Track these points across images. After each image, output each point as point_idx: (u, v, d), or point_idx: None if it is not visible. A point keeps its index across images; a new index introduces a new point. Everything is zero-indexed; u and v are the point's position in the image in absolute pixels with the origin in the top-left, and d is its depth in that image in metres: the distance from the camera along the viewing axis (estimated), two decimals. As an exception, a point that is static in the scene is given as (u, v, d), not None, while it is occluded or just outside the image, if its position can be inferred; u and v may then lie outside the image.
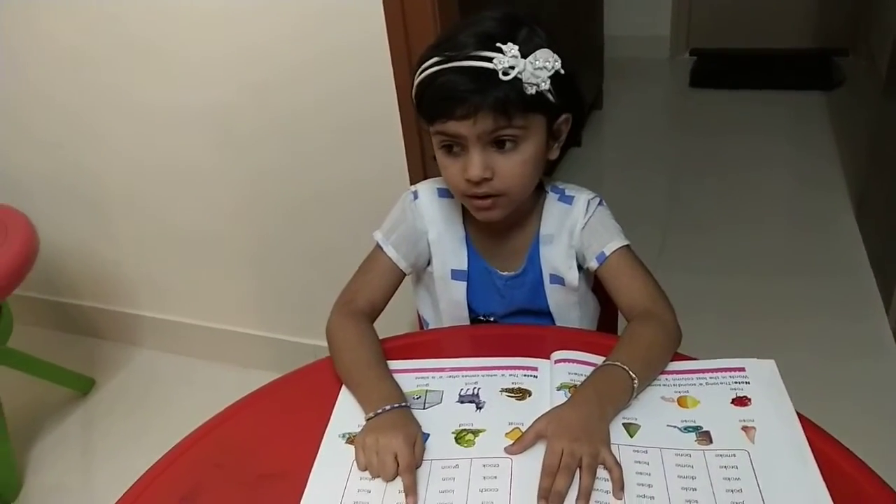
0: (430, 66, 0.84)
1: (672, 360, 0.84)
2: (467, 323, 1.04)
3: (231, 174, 1.66)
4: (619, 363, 0.78)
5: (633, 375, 0.77)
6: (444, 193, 0.99)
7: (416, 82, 0.87)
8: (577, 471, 0.69)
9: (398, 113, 1.41)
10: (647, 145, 2.97)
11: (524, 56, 0.81)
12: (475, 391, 0.83)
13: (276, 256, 1.75)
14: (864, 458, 0.72)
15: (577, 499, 0.67)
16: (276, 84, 1.49)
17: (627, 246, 0.95)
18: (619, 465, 0.70)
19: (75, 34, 1.60)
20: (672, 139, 3.02)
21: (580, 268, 0.98)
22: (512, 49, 0.80)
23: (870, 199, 2.22)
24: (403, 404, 0.80)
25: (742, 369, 0.81)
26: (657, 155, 2.89)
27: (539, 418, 0.75)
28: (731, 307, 1.99)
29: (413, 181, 1.31)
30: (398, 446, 0.73)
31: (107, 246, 1.94)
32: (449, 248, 1.00)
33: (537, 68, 0.81)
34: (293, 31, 1.42)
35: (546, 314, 1.02)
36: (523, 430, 0.76)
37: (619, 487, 0.68)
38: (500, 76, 0.80)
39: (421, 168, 1.44)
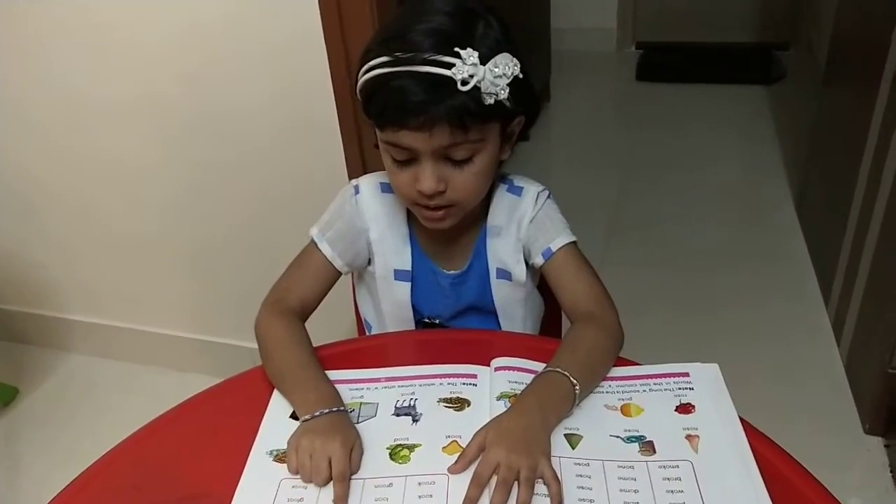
0: (380, 66, 0.78)
1: (616, 365, 0.82)
2: (412, 325, 0.99)
3: (166, 171, 1.59)
4: (559, 369, 0.75)
5: (575, 382, 0.74)
6: (388, 188, 0.94)
7: (361, 80, 0.81)
8: (515, 484, 0.66)
9: (335, 110, 1.37)
10: (595, 138, 2.98)
11: (483, 62, 0.75)
12: (411, 402, 0.79)
13: (213, 257, 1.69)
14: (802, 448, 0.71)
15: None
16: (210, 77, 1.43)
17: (574, 243, 0.92)
18: (557, 479, 0.67)
19: (4, 18, 1.49)
20: (619, 132, 3.03)
21: (526, 263, 0.94)
22: (472, 56, 0.75)
23: (809, 190, 2.26)
24: (341, 408, 0.76)
25: (686, 374, 0.79)
26: (604, 148, 2.90)
27: (479, 430, 0.72)
28: (673, 301, 2.01)
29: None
30: (334, 450, 0.69)
31: (33, 246, 1.84)
32: (391, 248, 0.95)
33: (497, 76, 0.76)
34: (227, 20, 1.35)
35: (492, 312, 0.99)
36: (461, 442, 0.72)
37: (557, 502, 0.65)
38: (459, 86, 0.75)
39: (360, 168, 1.40)
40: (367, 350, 0.95)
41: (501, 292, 0.97)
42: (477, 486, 0.66)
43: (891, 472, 1.48)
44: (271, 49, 1.36)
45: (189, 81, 1.45)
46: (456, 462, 0.70)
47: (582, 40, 3.56)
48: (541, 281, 1.00)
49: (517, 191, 0.94)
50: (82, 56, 1.49)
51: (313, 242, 0.94)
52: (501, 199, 0.94)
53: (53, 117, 1.60)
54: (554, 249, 0.90)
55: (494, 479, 0.67)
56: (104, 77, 1.50)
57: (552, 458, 0.69)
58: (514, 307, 0.98)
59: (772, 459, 0.70)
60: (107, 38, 1.45)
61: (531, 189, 0.94)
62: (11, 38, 1.52)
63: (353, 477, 0.71)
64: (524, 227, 0.93)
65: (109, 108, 1.54)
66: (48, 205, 1.75)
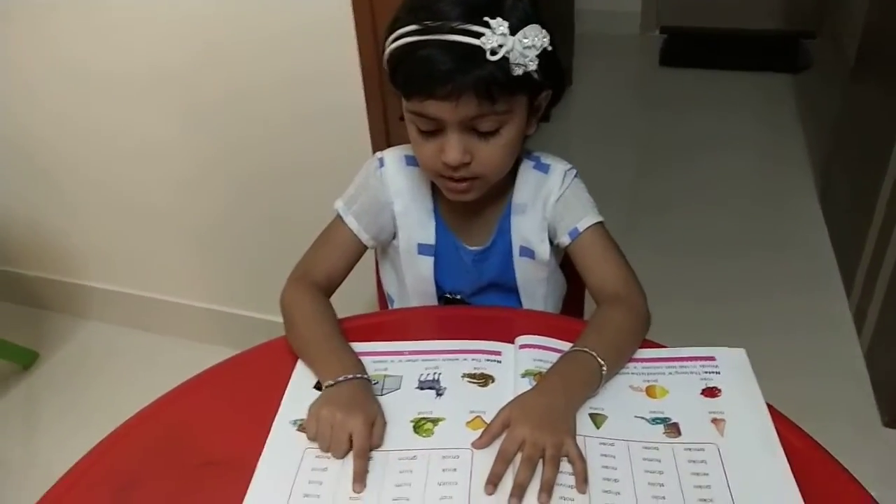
0: (408, 35, 0.77)
1: (641, 347, 0.81)
2: (434, 299, 0.99)
3: (187, 145, 1.59)
4: (587, 349, 0.75)
5: (602, 362, 0.74)
6: (413, 161, 0.93)
7: (389, 48, 0.80)
8: (540, 462, 0.66)
9: (363, 91, 1.36)
10: (616, 122, 2.95)
11: (513, 32, 0.74)
12: (436, 377, 0.78)
13: (232, 230, 1.69)
14: (823, 436, 0.71)
15: (540, 492, 0.64)
16: (234, 53, 1.42)
17: (601, 223, 0.91)
18: (583, 458, 0.67)
19: None
20: (641, 117, 3.00)
21: (551, 242, 0.93)
22: (501, 26, 0.73)
23: (833, 180, 2.23)
24: (364, 375, 0.76)
25: (712, 358, 0.79)
26: (625, 133, 2.87)
27: (504, 406, 0.71)
28: (695, 286, 1.99)
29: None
30: (355, 426, 0.69)
31: (55, 214, 1.85)
32: (416, 221, 0.94)
33: (526, 47, 0.75)
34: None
35: (513, 290, 0.98)
36: (485, 418, 0.72)
37: (581, 480, 0.65)
38: (488, 55, 0.74)
39: (385, 145, 1.39)
40: (391, 324, 0.95)
41: (524, 270, 0.96)
42: (502, 461, 0.66)
43: (909, 464, 1.48)
44: (298, 29, 1.35)
45: (211, 58, 1.44)
46: (480, 437, 0.70)
47: (606, 23, 3.51)
48: (563, 260, 0.99)
49: (544, 168, 0.93)
50: (101, 31, 1.49)
51: (339, 216, 0.94)
52: (527, 175, 0.93)
53: (72, 92, 1.60)
54: (581, 229, 0.89)
55: (519, 457, 0.67)
56: (124, 52, 1.50)
57: (577, 437, 0.69)
58: (535, 286, 0.97)
59: (797, 445, 0.69)
60: (127, 13, 1.45)
61: (558, 167, 0.93)
62: (31, 16, 1.52)
63: (378, 449, 0.71)
64: (550, 206, 0.91)
65: (127, 82, 1.54)
66: (69, 176, 1.76)
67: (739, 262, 2.08)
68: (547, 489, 0.64)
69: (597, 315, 0.84)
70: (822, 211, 2.26)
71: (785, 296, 1.94)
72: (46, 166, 1.76)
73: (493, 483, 0.65)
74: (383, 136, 1.39)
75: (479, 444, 0.70)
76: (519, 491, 0.64)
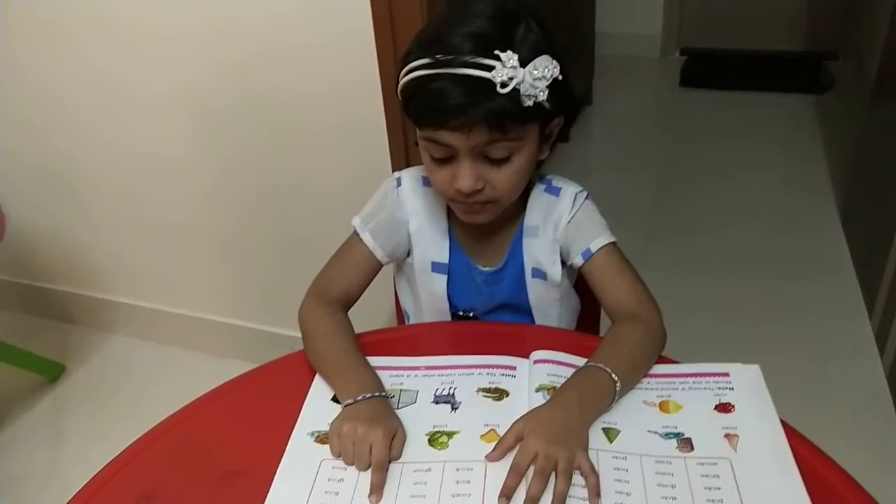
0: (420, 68, 0.79)
1: (655, 363, 0.82)
2: (447, 316, 1.00)
3: (208, 160, 1.62)
4: (601, 365, 0.76)
5: (616, 378, 0.75)
6: (429, 182, 0.95)
7: (402, 81, 0.82)
8: (553, 475, 0.67)
9: (382, 108, 1.38)
10: (636, 143, 2.95)
11: (523, 64, 0.76)
12: (451, 391, 0.80)
13: (253, 245, 1.72)
14: (844, 459, 0.70)
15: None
16: (254, 69, 1.45)
17: (614, 243, 0.92)
18: (595, 472, 0.67)
19: (50, 12, 1.55)
20: (661, 138, 3.00)
21: (563, 263, 0.95)
22: (511, 59, 0.75)
23: (855, 203, 2.21)
24: (383, 394, 0.77)
25: (726, 374, 0.79)
26: (645, 153, 2.88)
27: (518, 420, 0.72)
28: (714, 309, 1.98)
29: (395, 174, 1.28)
30: (375, 439, 0.71)
31: (81, 229, 1.90)
32: (430, 240, 0.96)
33: (536, 79, 0.76)
34: (276, 13, 1.38)
35: (526, 310, 0.99)
36: (499, 432, 0.73)
37: (594, 494, 0.66)
38: (498, 88, 0.75)
39: (404, 164, 1.41)
40: (407, 339, 0.97)
41: (537, 292, 0.97)
42: (515, 475, 0.67)
43: (930, 490, 1.45)
44: (319, 46, 1.38)
45: (231, 73, 1.47)
46: (493, 450, 0.71)
47: (626, 45, 3.54)
48: (577, 279, 1.00)
49: (555, 191, 0.94)
50: (124, 47, 1.53)
51: (356, 233, 0.96)
52: (539, 198, 0.94)
53: (97, 109, 1.65)
54: (594, 250, 0.90)
55: (532, 470, 0.67)
56: (143, 67, 1.54)
57: (590, 451, 0.70)
58: (548, 306, 0.99)
59: (812, 462, 0.69)
60: (149, 28, 1.49)
61: (569, 189, 0.94)
62: (55, 32, 1.57)
63: (393, 462, 0.72)
64: (561, 228, 0.93)
65: (150, 97, 1.58)
66: (94, 192, 1.80)
67: (760, 283, 2.07)
68: (559, 502, 0.65)
69: (612, 332, 0.84)
70: (844, 233, 2.24)
71: (806, 318, 1.93)
72: (70, 181, 1.81)
73: (506, 496, 0.66)
74: (403, 152, 1.41)
75: (493, 456, 0.70)
76: (532, 502, 0.65)
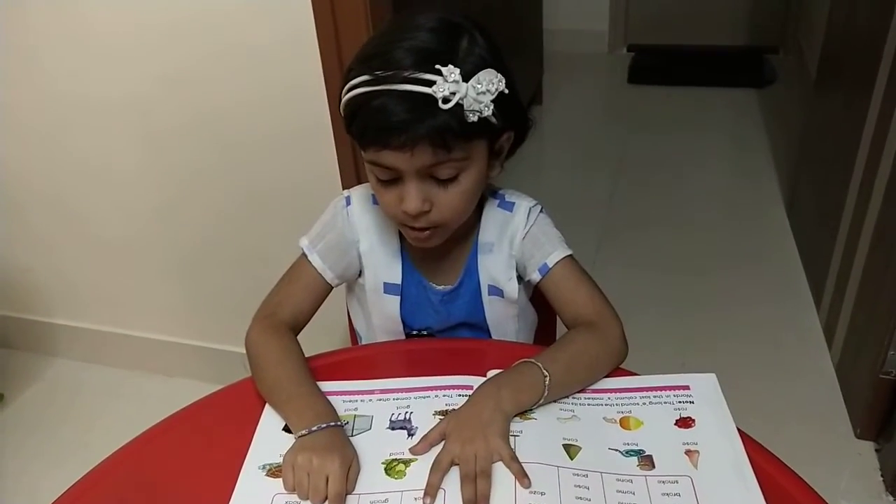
0: (361, 85, 0.76)
1: (614, 376, 0.82)
2: (402, 337, 0.98)
3: (152, 173, 1.57)
4: (533, 360, 0.77)
5: (546, 373, 0.75)
6: None
7: (344, 99, 0.79)
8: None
9: (329, 115, 1.35)
10: (586, 140, 2.98)
11: (465, 79, 0.73)
12: (407, 416, 0.77)
13: (201, 261, 1.67)
14: (795, 448, 0.72)
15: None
16: (196, 77, 1.41)
17: (570, 255, 0.90)
18: (516, 458, 0.69)
19: None
20: (610, 134, 3.03)
21: (520, 279, 0.93)
22: (453, 73, 0.72)
23: (800, 193, 2.26)
24: (338, 423, 0.75)
25: (686, 387, 0.78)
26: (595, 150, 2.90)
27: (444, 418, 0.74)
28: (665, 301, 2.01)
29: (346, 185, 1.24)
30: (332, 470, 0.68)
31: (18, 248, 1.82)
32: (382, 261, 0.94)
33: (480, 93, 0.73)
34: (212, 19, 1.34)
35: (484, 328, 0.98)
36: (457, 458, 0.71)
37: (522, 476, 0.68)
38: (440, 104, 0.73)
39: (353, 172, 1.39)
40: (360, 360, 0.94)
41: (494, 309, 0.96)
42: (437, 472, 0.69)
43: (881, 475, 1.48)
44: (261, 50, 1.34)
45: (174, 82, 1.43)
46: (417, 443, 0.73)
47: (574, 42, 3.56)
48: (533, 293, 0.99)
49: (509, 206, 0.92)
50: (65, 55, 1.47)
51: (304, 255, 0.93)
52: (493, 214, 0.92)
53: (37, 117, 1.58)
54: (550, 265, 0.89)
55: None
56: (87, 76, 1.48)
57: (549, 466, 0.69)
58: (506, 323, 0.97)
59: (769, 470, 0.69)
60: (89, 37, 1.43)
61: (523, 204, 0.92)
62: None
63: (350, 493, 0.69)
64: (517, 244, 0.91)
65: (93, 108, 1.52)
66: (33, 206, 1.73)
67: (710, 277, 2.10)
68: (483, 500, 0.66)
69: (562, 336, 0.84)
70: (790, 223, 2.29)
71: (755, 309, 1.96)
72: (13, 197, 1.73)
73: (430, 494, 0.67)
74: (351, 160, 1.38)
75: (417, 449, 0.73)
76: None
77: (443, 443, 0.72)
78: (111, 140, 1.55)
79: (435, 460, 0.70)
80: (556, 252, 0.89)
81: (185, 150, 1.51)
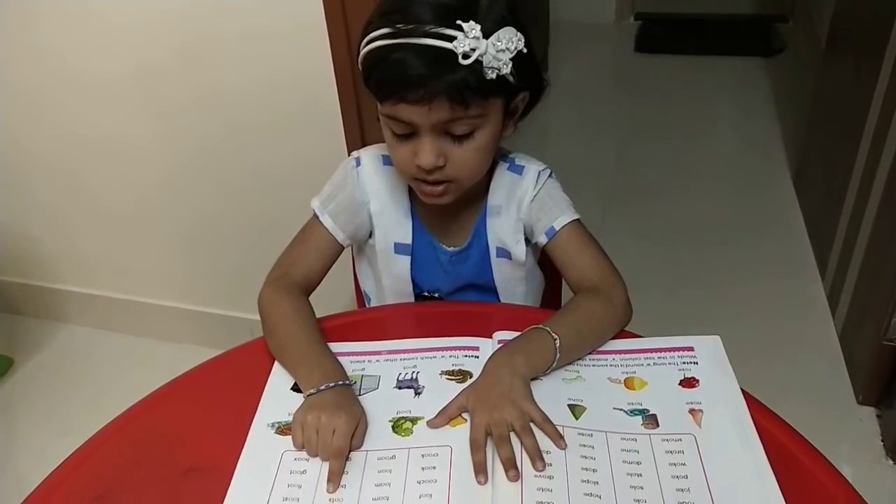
0: (380, 38, 0.76)
1: (619, 338, 0.82)
2: (411, 298, 0.99)
3: (161, 147, 1.57)
4: (542, 325, 0.77)
5: (556, 336, 0.75)
6: (389, 161, 0.92)
7: (362, 52, 0.79)
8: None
9: (336, 91, 1.34)
10: (593, 109, 2.96)
11: (486, 36, 0.73)
12: (414, 375, 0.78)
13: (209, 231, 1.68)
14: (799, 416, 0.72)
15: (532, 462, 0.66)
16: (210, 55, 1.41)
17: (578, 220, 0.91)
18: (548, 419, 0.69)
19: None
20: (616, 103, 3.01)
21: (527, 242, 0.94)
22: (474, 29, 0.72)
23: (807, 163, 2.25)
24: (346, 382, 0.76)
25: (690, 349, 0.79)
26: (602, 119, 2.88)
27: (461, 392, 0.74)
28: (672, 271, 2.01)
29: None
30: (339, 425, 0.70)
31: (28, 218, 1.82)
32: (393, 221, 0.94)
33: (500, 50, 0.74)
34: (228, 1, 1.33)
35: (492, 289, 0.98)
36: (464, 415, 0.73)
37: (557, 438, 0.68)
38: (460, 59, 0.72)
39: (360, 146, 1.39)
40: (368, 322, 0.95)
41: (502, 271, 0.96)
42: (477, 450, 0.68)
43: (882, 440, 1.50)
44: (272, 32, 1.34)
45: (186, 60, 1.42)
46: (435, 417, 0.73)
47: (580, 11, 3.51)
48: (541, 256, 0.99)
49: (518, 170, 0.92)
50: (75, 30, 1.46)
51: (315, 216, 0.93)
52: (502, 177, 0.92)
53: (48, 93, 1.57)
54: (557, 228, 0.89)
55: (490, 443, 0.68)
56: (99, 53, 1.47)
57: (557, 427, 0.69)
58: (514, 285, 0.98)
59: (773, 431, 0.70)
60: (101, 12, 1.42)
61: (532, 168, 0.92)
62: (4, 13, 1.49)
63: (356, 450, 0.71)
64: (525, 207, 0.91)
65: (105, 84, 1.51)
66: (43, 179, 1.73)
67: (715, 246, 2.10)
68: (536, 456, 0.66)
69: (568, 302, 0.85)
70: (796, 193, 2.28)
71: (760, 279, 1.96)
72: (22, 170, 1.73)
73: (480, 472, 0.66)
74: (358, 137, 1.39)
75: (435, 423, 0.72)
76: (510, 463, 0.66)
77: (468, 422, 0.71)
78: (122, 116, 1.55)
79: (470, 440, 0.69)
80: (563, 216, 0.90)
81: (193, 125, 1.51)
